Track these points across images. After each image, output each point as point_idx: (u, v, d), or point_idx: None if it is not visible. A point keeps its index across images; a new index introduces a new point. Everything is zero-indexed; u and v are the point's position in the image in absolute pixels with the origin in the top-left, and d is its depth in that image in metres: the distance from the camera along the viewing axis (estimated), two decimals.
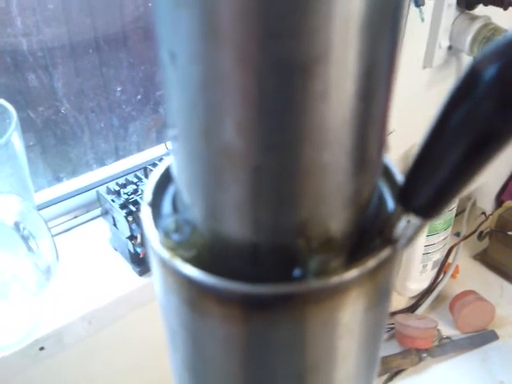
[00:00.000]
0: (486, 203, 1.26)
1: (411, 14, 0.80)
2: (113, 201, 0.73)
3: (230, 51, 0.15)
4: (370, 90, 0.17)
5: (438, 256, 1.10)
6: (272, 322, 0.19)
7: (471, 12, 0.89)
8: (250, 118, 0.16)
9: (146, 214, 0.21)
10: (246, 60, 0.15)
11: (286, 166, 0.17)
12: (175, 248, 0.19)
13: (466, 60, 0.96)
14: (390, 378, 0.98)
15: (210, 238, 0.20)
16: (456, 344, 1.03)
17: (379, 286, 0.20)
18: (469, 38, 0.88)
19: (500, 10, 0.87)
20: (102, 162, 0.92)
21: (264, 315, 0.19)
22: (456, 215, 1.10)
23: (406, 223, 0.20)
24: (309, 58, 0.15)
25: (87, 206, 0.85)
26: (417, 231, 0.20)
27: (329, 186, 0.18)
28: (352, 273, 0.18)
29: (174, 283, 0.20)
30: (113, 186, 0.76)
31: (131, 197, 0.73)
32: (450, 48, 0.92)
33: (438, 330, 1.02)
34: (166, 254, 0.19)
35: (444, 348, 1.02)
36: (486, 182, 1.21)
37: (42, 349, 0.67)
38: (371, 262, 0.19)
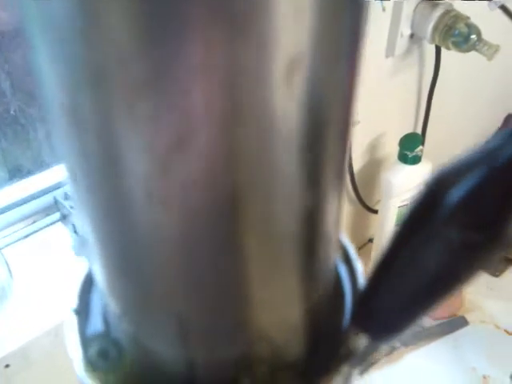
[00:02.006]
0: None
1: (372, 4, 0.79)
2: (71, 207, 0.69)
3: None
4: None
5: None
6: None
7: None
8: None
9: (70, 327, 0.18)
10: None
11: (215, 315, 0.15)
12: (101, 375, 0.17)
13: (428, 48, 0.95)
14: (364, 370, 0.98)
15: (140, 363, 0.17)
16: (427, 332, 1.03)
17: None
18: (430, 26, 0.87)
19: None
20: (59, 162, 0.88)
21: None
22: None
23: (361, 341, 0.18)
24: None
25: (46, 210, 0.81)
26: (369, 351, 0.18)
27: (270, 317, 0.17)
28: None
29: None
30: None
31: None
32: (411, 36, 0.91)
33: None
34: None
35: (416, 336, 1.02)
36: None
37: (7, 366, 0.64)
38: None
